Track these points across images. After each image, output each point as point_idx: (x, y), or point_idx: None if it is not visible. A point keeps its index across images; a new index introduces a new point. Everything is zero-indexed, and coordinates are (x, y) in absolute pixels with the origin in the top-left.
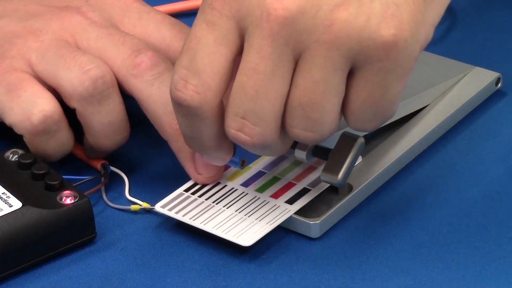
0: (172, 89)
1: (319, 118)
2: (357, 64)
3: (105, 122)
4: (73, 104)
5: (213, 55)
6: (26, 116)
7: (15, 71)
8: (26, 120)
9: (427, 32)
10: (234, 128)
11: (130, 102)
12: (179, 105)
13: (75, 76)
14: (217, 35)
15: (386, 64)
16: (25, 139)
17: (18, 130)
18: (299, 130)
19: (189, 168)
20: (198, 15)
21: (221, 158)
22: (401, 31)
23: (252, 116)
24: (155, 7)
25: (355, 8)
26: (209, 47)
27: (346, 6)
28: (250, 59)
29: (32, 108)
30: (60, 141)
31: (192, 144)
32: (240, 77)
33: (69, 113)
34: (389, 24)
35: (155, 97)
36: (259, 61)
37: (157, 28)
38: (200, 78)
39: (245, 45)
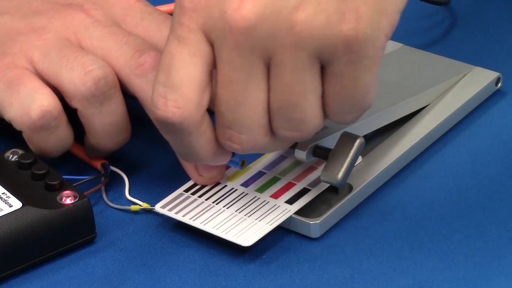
0: (153, 110)
1: (302, 118)
2: (325, 60)
3: (107, 123)
4: (75, 104)
5: (189, 67)
6: (25, 111)
7: (16, 67)
8: (25, 116)
9: (390, 19)
10: (223, 138)
11: (131, 102)
12: (163, 124)
13: (78, 77)
14: (190, 49)
15: (351, 57)
16: (24, 135)
17: (17, 125)
18: (285, 131)
19: (190, 169)
20: (169, 32)
21: (221, 161)
22: (359, 24)
23: (236, 126)
24: (157, 7)
25: (313, 8)
26: (183, 61)
27: (304, 6)
28: (223, 72)
29: (31, 104)
30: (59, 137)
31: (188, 159)
32: (218, 90)
33: (69, 110)
34: (347, 19)
35: None
36: (231, 72)
37: (159, 28)
38: (179, 93)
39: (216, 58)
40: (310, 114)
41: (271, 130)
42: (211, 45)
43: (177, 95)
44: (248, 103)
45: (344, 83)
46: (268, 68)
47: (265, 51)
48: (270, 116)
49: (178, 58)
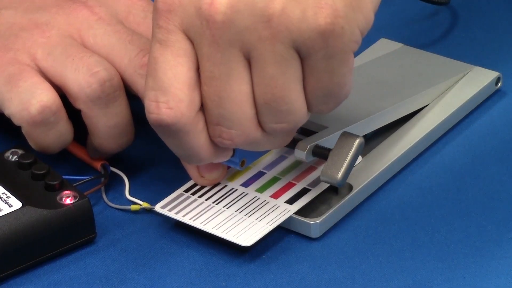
0: (147, 115)
1: (289, 109)
2: (302, 53)
3: (111, 125)
4: (79, 105)
5: (175, 68)
6: (24, 106)
7: (18, 63)
8: (24, 111)
9: (366, 16)
10: (214, 135)
11: (132, 103)
12: (159, 127)
13: (83, 78)
14: (172, 50)
15: (327, 51)
16: (23, 130)
17: (16, 120)
18: (273, 124)
19: (191, 170)
20: (151, 37)
21: (223, 158)
22: (336, 19)
23: (224, 121)
24: None
25: (288, 0)
26: (168, 63)
27: None
28: (204, 68)
29: (30, 99)
30: (59, 133)
31: (190, 161)
32: (202, 87)
33: (70, 108)
34: (324, 14)
35: None
36: (212, 68)
37: None
38: (169, 94)
39: (197, 55)
40: (297, 104)
41: (262, 124)
42: (192, 43)
43: (167, 96)
44: (232, 98)
45: (320, 76)
46: (249, 61)
47: (244, 45)
48: (257, 110)
49: (162, 61)
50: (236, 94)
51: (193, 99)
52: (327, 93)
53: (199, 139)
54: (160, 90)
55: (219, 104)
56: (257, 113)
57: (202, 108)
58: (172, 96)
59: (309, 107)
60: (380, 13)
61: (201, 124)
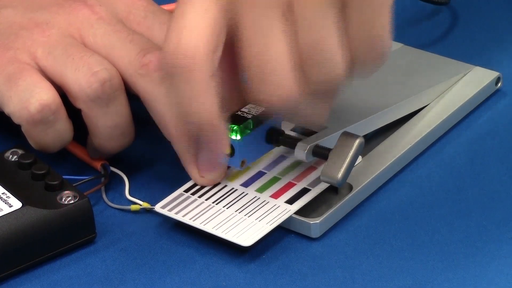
0: (164, 48)
1: (328, 58)
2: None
3: (111, 125)
4: (79, 104)
5: (202, 12)
6: (23, 105)
7: (18, 62)
8: (23, 109)
9: None
10: (254, 95)
11: (132, 103)
12: (173, 61)
13: (83, 78)
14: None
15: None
16: (23, 129)
17: (16, 119)
18: (313, 76)
19: (192, 170)
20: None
21: (220, 135)
22: None
23: (263, 81)
24: (162, 6)
25: None
26: (196, 9)
27: None
28: (243, 26)
29: (30, 97)
30: (58, 132)
31: (188, 116)
32: (242, 50)
33: (71, 107)
34: None
35: (162, 97)
36: (251, 24)
37: (162, 28)
38: (193, 30)
39: (236, 16)
40: (336, 54)
41: (303, 82)
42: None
43: (191, 32)
44: (272, 54)
45: (360, 25)
46: (287, 19)
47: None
48: (300, 64)
49: (190, 7)
50: (277, 51)
51: (215, 42)
52: (367, 46)
53: (207, 84)
54: (186, 28)
55: (258, 64)
56: (300, 70)
57: (221, 72)
58: (196, 34)
59: (352, 58)
60: None
61: (212, 71)
